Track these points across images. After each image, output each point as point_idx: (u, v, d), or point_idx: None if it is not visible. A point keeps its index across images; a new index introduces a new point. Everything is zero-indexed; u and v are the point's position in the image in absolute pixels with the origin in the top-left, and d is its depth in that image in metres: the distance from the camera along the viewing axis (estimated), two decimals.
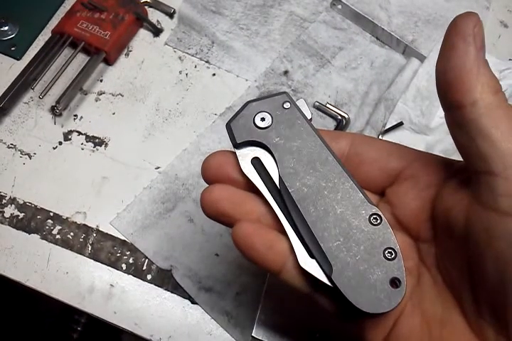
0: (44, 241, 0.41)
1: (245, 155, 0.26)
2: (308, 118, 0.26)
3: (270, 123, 0.26)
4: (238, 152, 0.26)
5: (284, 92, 0.27)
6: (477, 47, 0.21)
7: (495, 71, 0.47)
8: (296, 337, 0.36)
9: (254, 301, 0.40)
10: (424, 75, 0.46)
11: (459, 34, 0.21)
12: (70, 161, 0.44)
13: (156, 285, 0.41)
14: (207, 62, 0.49)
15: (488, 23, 0.54)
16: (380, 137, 0.45)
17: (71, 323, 0.73)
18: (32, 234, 0.42)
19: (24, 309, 0.74)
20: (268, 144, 0.26)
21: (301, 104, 0.27)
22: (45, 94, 0.44)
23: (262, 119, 0.26)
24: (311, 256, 0.24)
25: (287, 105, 0.26)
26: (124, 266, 0.41)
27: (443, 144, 0.44)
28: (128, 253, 0.42)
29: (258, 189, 0.26)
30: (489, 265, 0.21)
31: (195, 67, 0.49)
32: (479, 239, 0.21)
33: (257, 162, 0.26)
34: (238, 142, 0.26)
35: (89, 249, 0.42)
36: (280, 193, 0.25)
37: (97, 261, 0.41)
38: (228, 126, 0.26)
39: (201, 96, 0.47)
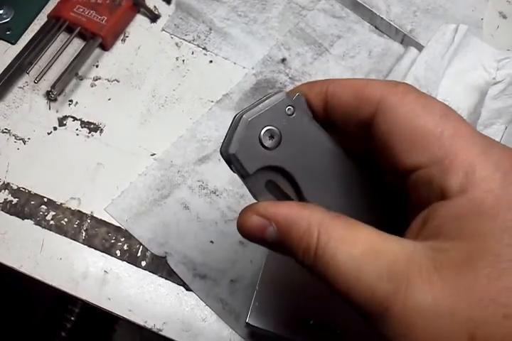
0: (38, 226, 0.41)
1: (256, 183, 0.22)
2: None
3: (279, 140, 0.22)
4: (249, 182, 0.22)
5: (280, 91, 0.23)
6: None
7: (493, 61, 0.47)
8: (291, 323, 0.36)
9: (249, 288, 0.40)
10: (422, 64, 0.46)
11: None
12: (64, 147, 0.44)
13: (150, 271, 0.41)
14: (204, 48, 0.48)
15: (487, 14, 0.53)
16: None
17: (64, 313, 0.73)
18: (26, 220, 0.41)
19: (17, 297, 0.74)
20: (284, 166, 0.22)
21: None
22: (40, 79, 0.43)
23: (270, 137, 0.22)
24: None
25: (290, 110, 0.23)
26: (118, 253, 0.41)
27: None
28: (122, 239, 0.41)
29: None
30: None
31: (192, 53, 0.48)
32: None
33: (271, 186, 0.23)
34: (251, 173, 0.22)
35: (84, 235, 0.41)
36: None
37: (91, 247, 0.41)
38: (233, 156, 0.21)
39: (198, 83, 0.47)
